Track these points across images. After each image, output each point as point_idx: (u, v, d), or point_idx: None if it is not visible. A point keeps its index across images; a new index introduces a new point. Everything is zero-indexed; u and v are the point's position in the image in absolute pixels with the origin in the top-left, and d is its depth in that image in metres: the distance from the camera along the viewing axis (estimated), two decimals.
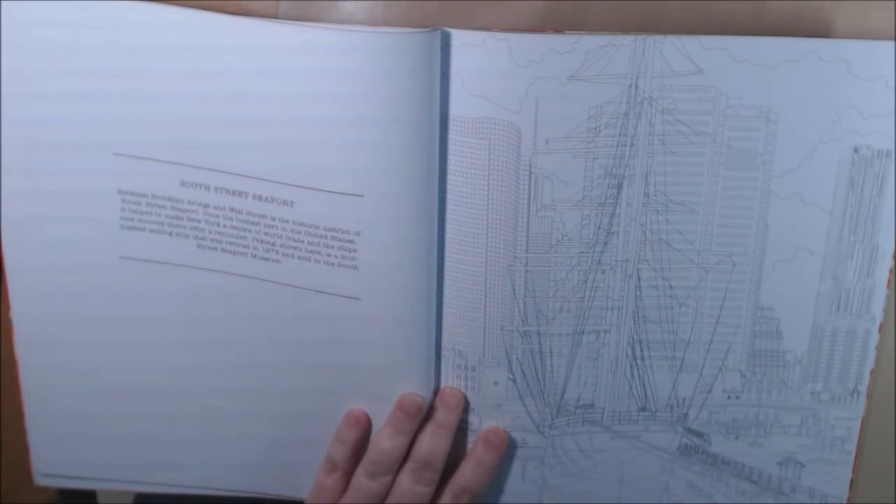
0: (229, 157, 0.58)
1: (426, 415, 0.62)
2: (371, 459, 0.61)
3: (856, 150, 0.58)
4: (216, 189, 0.58)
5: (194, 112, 0.57)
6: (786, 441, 0.63)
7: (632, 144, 0.58)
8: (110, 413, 0.64)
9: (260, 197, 0.58)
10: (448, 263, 0.60)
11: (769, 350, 0.62)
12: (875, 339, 0.62)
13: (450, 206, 0.59)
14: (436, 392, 0.62)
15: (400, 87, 0.55)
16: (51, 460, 0.66)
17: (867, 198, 0.59)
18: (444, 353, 0.61)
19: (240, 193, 0.58)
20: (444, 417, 0.61)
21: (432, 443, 0.61)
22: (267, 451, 0.64)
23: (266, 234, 0.59)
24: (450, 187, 0.58)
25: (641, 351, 0.62)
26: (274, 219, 0.58)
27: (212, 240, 0.59)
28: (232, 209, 0.59)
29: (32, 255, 0.61)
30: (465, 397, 0.62)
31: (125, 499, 0.77)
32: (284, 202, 0.58)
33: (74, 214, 0.60)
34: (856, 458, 0.64)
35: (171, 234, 0.60)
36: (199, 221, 0.59)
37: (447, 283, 0.60)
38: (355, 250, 0.58)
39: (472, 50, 0.56)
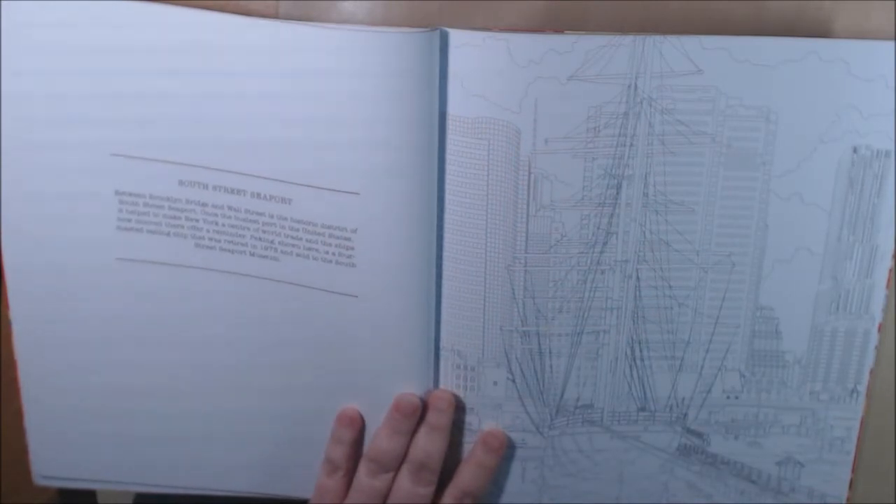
0: (228, 155, 0.58)
1: (423, 415, 0.62)
2: (371, 458, 0.62)
3: (855, 150, 0.58)
4: (214, 187, 0.58)
5: (194, 111, 0.57)
6: (785, 441, 0.63)
7: (631, 144, 0.58)
8: (109, 413, 0.64)
9: (258, 195, 0.58)
10: (447, 263, 0.60)
11: (768, 350, 0.62)
12: (874, 339, 0.62)
13: (449, 206, 0.59)
14: None
15: (399, 86, 0.55)
16: (50, 460, 0.66)
17: (866, 198, 0.59)
18: (443, 353, 0.61)
19: (238, 191, 0.58)
20: (437, 419, 0.61)
21: (427, 444, 0.61)
22: (266, 450, 0.64)
23: (264, 231, 0.59)
24: (449, 187, 0.58)
25: (641, 351, 0.62)
26: (272, 216, 0.58)
27: (210, 239, 0.60)
28: (230, 207, 0.59)
29: (31, 256, 0.61)
30: (458, 398, 0.62)
31: (125, 499, 0.77)
32: (283, 200, 0.58)
33: (71, 215, 0.60)
34: (855, 458, 0.64)
35: (168, 234, 0.60)
36: (196, 221, 0.59)
37: (446, 282, 0.60)
38: (352, 248, 0.58)
39: (471, 50, 0.56)
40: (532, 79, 0.56)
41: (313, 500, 0.64)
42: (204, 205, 0.59)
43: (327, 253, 0.58)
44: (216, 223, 0.59)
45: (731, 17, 0.59)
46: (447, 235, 0.59)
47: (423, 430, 0.61)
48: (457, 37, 0.56)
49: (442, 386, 0.62)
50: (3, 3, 0.56)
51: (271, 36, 0.55)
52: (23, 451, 0.66)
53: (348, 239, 0.58)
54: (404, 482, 0.62)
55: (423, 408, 0.61)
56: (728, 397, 0.63)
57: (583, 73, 0.56)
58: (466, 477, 0.63)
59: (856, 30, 0.58)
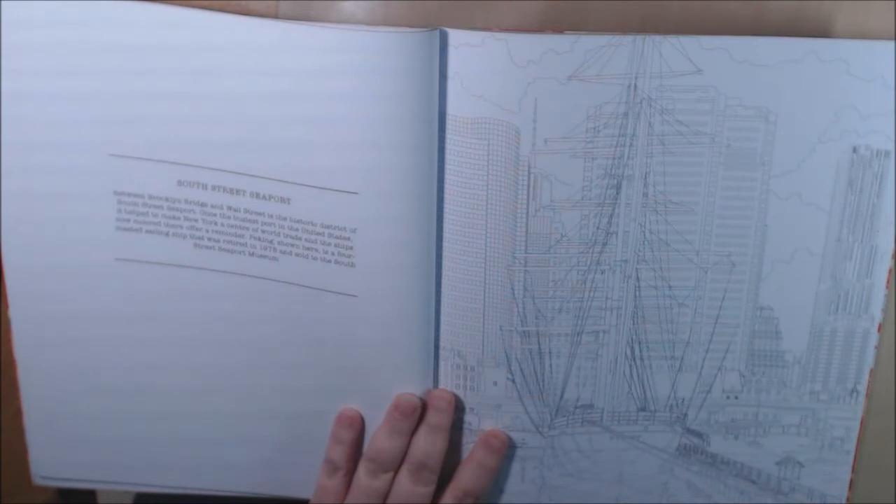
0: (227, 155, 0.58)
1: (423, 415, 0.62)
2: (370, 458, 0.62)
3: (854, 150, 0.58)
4: (214, 188, 0.58)
5: (194, 111, 0.57)
6: (785, 441, 0.63)
7: (631, 144, 0.58)
8: (109, 413, 0.64)
9: (257, 195, 0.58)
10: (447, 263, 0.60)
11: (768, 350, 0.62)
12: (874, 339, 0.62)
13: (448, 206, 0.59)
14: None
15: (398, 86, 0.55)
16: (50, 461, 0.66)
17: (866, 198, 0.59)
18: (442, 353, 0.61)
19: (237, 191, 0.58)
20: (437, 419, 0.61)
21: (427, 444, 0.61)
22: (266, 450, 0.64)
23: (263, 231, 0.59)
24: (448, 187, 0.58)
25: (640, 351, 0.62)
26: (271, 216, 0.58)
27: (209, 239, 0.60)
28: (229, 207, 0.59)
29: (30, 256, 0.61)
30: (458, 398, 0.62)
31: (125, 499, 0.77)
32: (282, 199, 0.58)
33: (70, 215, 0.60)
34: (855, 457, 0.64)
35: (167, 234, 0.60)
36: (196, 221, 0.59)
37: (446, 282, 0.60)
38: (351, 247, 0.58)
39: (470, 50, 0.56)
40: (531, 79, 0.56)
41: (313, 500, 0.64)
42: (203, 205, 0.59)
43: (326, 253, 0.58)
44: (215, 223, 0.59)
45: (731, 17, 0.59)
46: (447, 235, 0.59)
47: (422, 430, 0.61)
48: (456, 37, 0.56)
49: (442, 386, 0.62)
50: (2, 2, 0.56)
51: (271, 36, 0.55)
52: (22, 451, 0.66)
53: (347, 239, 0.58)
54: (404, 482, 0.62)
55: (423, 407, 0.61)
56: (728, 397, 0.63)
57: (582, 73, 0.56)
58: (467, 477, 0.63)
59: (856, 30, 0.58)
